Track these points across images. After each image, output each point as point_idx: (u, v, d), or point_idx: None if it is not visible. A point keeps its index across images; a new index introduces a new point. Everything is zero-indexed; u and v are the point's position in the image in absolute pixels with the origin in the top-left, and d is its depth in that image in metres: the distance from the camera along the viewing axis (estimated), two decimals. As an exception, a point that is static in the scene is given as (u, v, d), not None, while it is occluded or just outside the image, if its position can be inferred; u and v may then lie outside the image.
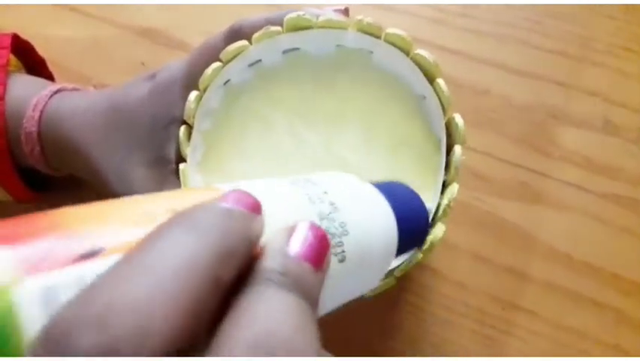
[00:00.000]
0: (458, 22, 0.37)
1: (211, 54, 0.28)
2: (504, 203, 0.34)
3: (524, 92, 0.35)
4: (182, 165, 0.27)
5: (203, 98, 0.28)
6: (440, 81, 0.26)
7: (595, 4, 0.36)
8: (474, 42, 0.36)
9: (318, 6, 0.30)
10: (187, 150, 0.28)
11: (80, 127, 0.29)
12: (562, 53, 0.36)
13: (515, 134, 0.35)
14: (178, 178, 0.28)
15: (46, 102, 0.30)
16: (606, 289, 0.33)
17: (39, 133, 0.30)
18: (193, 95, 0.27)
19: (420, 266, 0.33)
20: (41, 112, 0.30)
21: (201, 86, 0.28)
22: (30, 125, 0.30)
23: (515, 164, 0.35)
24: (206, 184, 0.29)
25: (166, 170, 0.29)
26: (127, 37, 0.39)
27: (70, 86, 0.33)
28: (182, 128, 0.28)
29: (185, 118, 0.28)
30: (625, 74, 0.35)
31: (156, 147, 0.29)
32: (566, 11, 0.36)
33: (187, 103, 0.27)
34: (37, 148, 0.30)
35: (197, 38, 0.28)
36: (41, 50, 0.35)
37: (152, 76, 0.30)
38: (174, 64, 0.30)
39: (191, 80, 0.29)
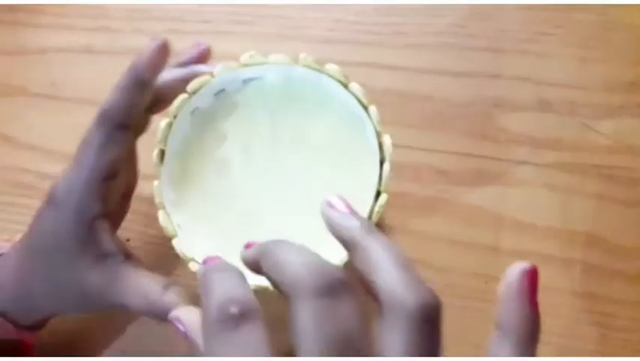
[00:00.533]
0: (393, 41, 0.41)
1: (89, 146, 0.29)
2: (467, 190, 0.39)
3: (464, 90, 0.40)
4: (155, 182, 0.31)
5: (174, 125, 0.31)
6: (372, 108, 0.31)
7: (506, 4, 0.41)
8: (410, 55, 0.41)
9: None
10: (160, 169, 0.31)
11: (22, 278, 0.31)
12: (488, 48, 0.40)
13: (463, 129, 0.39)
14: (130, 267, 0.30)
15: None
16: (569, 246, 0.38)
17: None
18: (164, 122, 0.31)
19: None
20: None
21: (172, 114, 0.31)
22: None
23: (469, 154, 0.39)
24: (179, 199, 0.32)
25: (113, 262, 0.30)
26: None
27: None
28: (156, 151, 0.31)
29: (157, 142, 0.31)
30: (547, 55, 0.40)
31: (90, 248, 0.29)
32: (483, 11, 0.41)
33: (159, 130, 0.31)
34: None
35: None
36: (26, 137, 0.39)
37: (49, 200, 0.30)
38: (63, 174, 0.30)
39: (86, 170, 0.29)
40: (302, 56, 0.31)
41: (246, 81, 0.33)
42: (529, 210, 0.38)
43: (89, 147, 0.29)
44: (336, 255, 0.28)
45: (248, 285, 0.21)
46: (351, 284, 0.20)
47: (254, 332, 0.19)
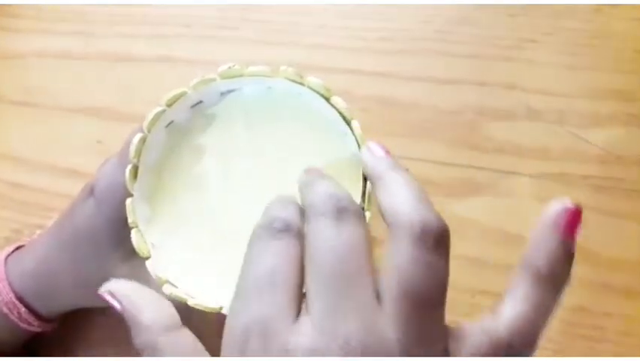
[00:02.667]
0: (378, 47, 0.40)
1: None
2: (452, 201, 0.38)
3: (450, 98, 0.39)
4: (128, 200, 0.29)
5: (148, 139, 0.30)
6: (355, 123, 0.29)
7: (496, 4, 0.40)
8: (396, 62, 0.40)
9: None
10: (134, 186, 0.29)
11: (47, 269, 0.31)
12: (476, 55, 0.39)
13: (449, 138, 0.38)
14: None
15: (4, 270, 0.32)
16: (558, 259, 0.37)
17: (17, 298, 0.31)
18: (137, 137, 0.29)
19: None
20: (6, 280, 0.31)
21: (146, 128, 0.30)
22: (4, 295, 0.31)
23: (455, 164, 0.38)
24: (153, 215, 0.31)
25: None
26: (78, 119, 0.41)
27: (11, 247, 0.34)
28: (129, 166, 0.29)
29: (130, 158, 0.29)
30: (535, 63, 0.39)
31: (124, 244, 0.29)
32: (471, 16, 0.40)
33: (131, 144, 0.29)
34: (23, 310, 0.31)
35: (146, 107, 0.30)
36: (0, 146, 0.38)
37: (91, 190, 0.31)
38: (107, 168, 0.31)
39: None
40: (282, 67, 0.30)
41: (224, 93, 0.32)
42: (517, 221, 0.37)
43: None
44: None
45: (295, 207, 0.23)
46: (360, 212, 0.22)
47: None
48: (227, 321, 0.20)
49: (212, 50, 0.42)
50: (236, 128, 0.33)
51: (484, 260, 0.37)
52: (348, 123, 0.30)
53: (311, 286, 0.20)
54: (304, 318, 0.19)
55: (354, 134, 0.30)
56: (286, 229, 0.21)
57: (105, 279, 0.29)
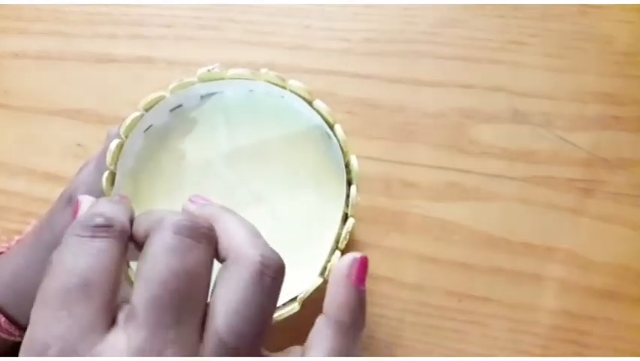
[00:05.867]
0: (364, 48, 0.39)
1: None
2: (438, 205, 0.37)
3: (436, 100, 0.38)
4: None
5: (125, 144, 0.29)
6: (337, 127, 0.29)
7: (483, 4, 0.40)
8: (380, 63, 0.39)
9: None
10: (111, 193, 0.29)
11: (27, 280, 0.30)
12: (461, 57, 0.39)
13: (436, 141, 0.38)
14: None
15: None
16: (544, 263, 0.36)
17: None
18: (114, 143, 0.29)
19: (371, 279, 0.35)
20: None
21: (123, 133, 0.29)
22: None
23: (441, 167, 0.38)
24: None
25: None
26: (57, 121, 0.40)
27: None
28: (106, 173, 0.29)
29: (107, 165, 0.29)
30: (521, 65, 0.39)
31: None
32: (456, 18, 0.40)
33: (108, 151, 0.28)
34: (3, 320, 0.31)
35: (126, 109, 0.29)
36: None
37: (69, 198, 0.30)
38: (84, 175, 0.31)
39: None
40: (263, 70, 0.29)
41: (204, 97, 0.31)
42: (503, 225, 0.37)
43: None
44: (300, 273, 0.26)
45: (126, 209, 0.22)
46: (213, 240, 0.21)
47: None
48: (29, 330, 0.19)
49: (194, 51, 0.41)
50: (217, 131, 0.32)
51: (470, 264, 0.37)
52: (331, 127, 0.29)
53: (137, 302, 0.19)
54: (120, 334, 0.18)
55: (337, 137, 0.29)
56: (108, 224, 0.20)
57: None
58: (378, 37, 0.40)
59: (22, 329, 0.32)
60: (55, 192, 0.33)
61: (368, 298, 0.22)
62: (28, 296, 0.30)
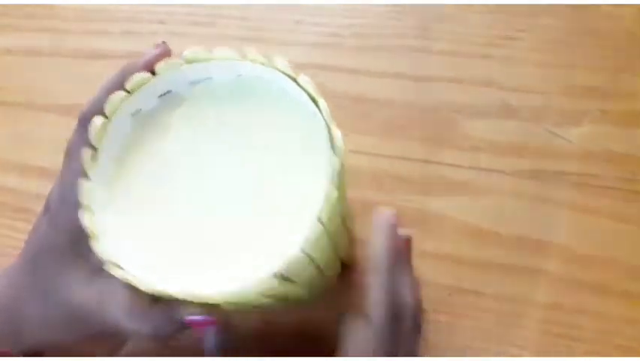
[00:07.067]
0: (352, 43, 0.40)
1: (71, 153, 0.29)
2: (429, 199, 0.37)
3: (425, 95, 0.39)
4: (86, 183, 0.28)
5: (111, 126, 0.29)
6: (322, 102, 0.29)
7: (470, 4, 0.40)
8: (371, 58, 0.39)
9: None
10: (93, 171, 0.28)
11: (13, 297, 0.30)
12: (452, 52, 0.39)
13: (425, 135, 0.38)
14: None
15: None
16: (535, 256, 0.36)
17: None
18: (99, 120, 0.28)
19: (361, 273, 0.35)
20: None
21: (108, 113, 0.29)
22: None
23: (431, 161, 0.38)
24: (111, 199, 0.30)
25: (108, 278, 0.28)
26: (49, 118, 0.41)
27: None
28: (89, 151, 0.28)
29: (92, 142, 0.28)
30: (511, 60, 0.39)
31: (85, 262, 0.28)
32: (447, 13, 0.40)
33: (93, 127, 0.28)
34: None
35: None
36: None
37: (44, 210, 0.30)
38: (56, 186, 0.30)
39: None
40: (248, 49, 0.30)
41: (193, 83, 0.32)
42: (494, 218, 0.37)
43: (75, 152, 0.28)
44: (272, 260, 0.26)
45: None
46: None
47: None
48: None
49: (187, 47, 0.41)
50: (207, 116, 0.32)
51: (461, 258, 0.37)
52: (316, 102, 0.29)
53: None
54: None
55: (321, 112, 0.29)
56: None
57: (69, 301, 0.28)
58: (369, 32, 0.40)
59: (12, 354, 0.31)
60: (47, 187, 0.32)
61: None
62: (8, 319, 0.29)
